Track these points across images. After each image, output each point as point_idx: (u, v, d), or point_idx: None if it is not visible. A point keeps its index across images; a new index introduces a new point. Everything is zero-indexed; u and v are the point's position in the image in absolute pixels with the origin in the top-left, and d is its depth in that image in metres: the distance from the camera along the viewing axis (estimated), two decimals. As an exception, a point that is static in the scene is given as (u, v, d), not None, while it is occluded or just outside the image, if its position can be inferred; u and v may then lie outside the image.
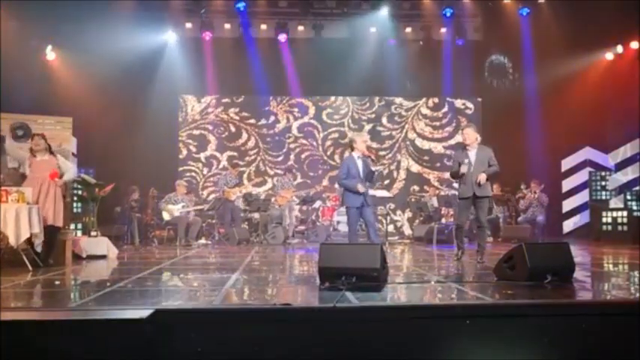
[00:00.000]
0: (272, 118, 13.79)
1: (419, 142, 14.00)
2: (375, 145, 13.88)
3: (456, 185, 13.66)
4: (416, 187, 13.84)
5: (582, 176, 12.59)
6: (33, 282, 5.38)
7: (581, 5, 10.61)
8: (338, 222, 12.04)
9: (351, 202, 6.94)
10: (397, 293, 4.57)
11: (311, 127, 13.87)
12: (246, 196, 11.85)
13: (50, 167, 6.84)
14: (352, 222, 7.05)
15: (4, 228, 6.05)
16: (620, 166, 12.03)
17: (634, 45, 11.63)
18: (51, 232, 6.76)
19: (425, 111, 14.08)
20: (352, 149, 7.13)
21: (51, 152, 6.93)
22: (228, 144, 13.57)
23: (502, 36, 12.87)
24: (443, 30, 13.11)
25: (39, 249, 6.41)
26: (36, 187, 6.67)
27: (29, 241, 6.30)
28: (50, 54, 11.32)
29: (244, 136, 13.70)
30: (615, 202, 11.56)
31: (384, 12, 12.72)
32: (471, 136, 7.01)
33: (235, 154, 13.50)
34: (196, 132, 13.59)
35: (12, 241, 6.07)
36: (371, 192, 11.80)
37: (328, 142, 13.86)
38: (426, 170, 13.93)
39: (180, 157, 13.48)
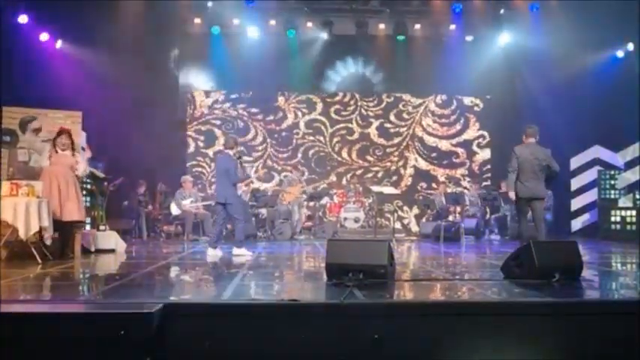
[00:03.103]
0: (280, 113, 13.79)
1: (427, 139, 13.97)
2: (382, 141, 13.87)
3: (464, 183, 13.72)
4: (423, 184, 13.82)
5: (591, 175, 12.50)
6: (42, 275, 5.42)
7: (592, 2, 10.52)
8: (345, 218, 12.05)
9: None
10: (404, 290, 4.58)
11: (319, 123, 13.86)
12: (254, 192, 11.88)
13: (69, 162, 6.88)
14: (242, 215, 7.74)
15: (13, 221, 6.10)
16: (630, 164, 11.94)
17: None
18: (70, 228, 6.83)
19: (433, 108, 14.04)
20: (231, 148, 7.67)
21: (73, 149, 6.97)
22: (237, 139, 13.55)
23: (512, 33, 12.80)
24: (452, 27, 13.05)
25: (48, 242, 6.45)
26: (54, 178, 6.69)
27: (39, 234, 6.35)
28: (60, 47, 11.35)
29: (252, 131, 13.71)
30: (624, 201, 11.48)
31: (392, 8, 12.68)
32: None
33: (243, 149, 13.51)
34: (204, 127, 13.61)
35: (22, 234, 6.12)
36: (378, 188, 11.91)
37: (336, 139, 13.85)
38: (434, 167, 13.90)
39: (189, 152, 13.51)
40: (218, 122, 13.64)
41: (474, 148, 13.98)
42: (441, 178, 13.72)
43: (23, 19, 10.10)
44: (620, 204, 11.47)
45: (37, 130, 7.90)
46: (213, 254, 7.29)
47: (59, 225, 6.71)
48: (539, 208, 7.04)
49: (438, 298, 4.27)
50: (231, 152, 7.63)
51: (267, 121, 13.73)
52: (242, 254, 7.23)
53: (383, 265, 4.52)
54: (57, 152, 6.86)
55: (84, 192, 8.79)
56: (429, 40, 13.26)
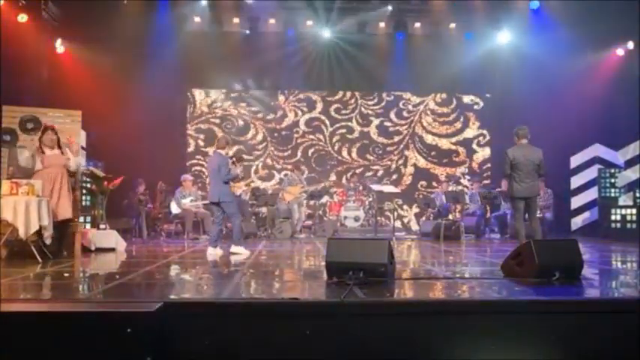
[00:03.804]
0: (280, 112, 13.78)
1: (427, 137, 13.96)
2: (382, 140, 13.87)
3: (464, 181, 13.72)
4: (424, 183, 13.81)
5: (591, 173, 12.50)
6: (42, 274, 5.42)
7: (592, 1, 10.51)
8: (345, 217, 12.05)
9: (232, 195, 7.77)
10: (404, 289, 4.57)
11: (319, 122, 13.86)
12: (254, 191, 11.87)
13: (61, 161, 6.88)
14: (238, 212, 7.71)
15: (13, 220, 6.09)
16: (630, 163, 11.92)
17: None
18: (64, 226, 6.82)
19: (433, 106, 14.04)
20: (222, 148, 7.64)
21: (59, 146, 6.96)
22: (236, 138, 13.56)
23: (511, 31, 12.79)
24: (452, 25, 13.03)
25: (48, 241, 6.45)
26: (48, 180, 6.69)
27: (39, 234, 6.35)
28: (60, 47, 11.35)
29: (252, 130, 13.71)
30: (624, 200, 11.47)
31: (392, 7, 12.68)
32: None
33: (242, 148, 13.51)
34: (204, 126, 13.61)
35: (21, 233, 6.12)
36: (378, 187, 11.90)
37: (336, 137, 13.85)
38: (434, 166, 13.90)
39: (189, 150, 13.51)
40: (218, 121, 13.64)
41: (474, 146, 13.98)
42: (442, 177, 13.72)
43: (23, 18, 10.10)
44: (621, 202, 11.46)
45: (31, 131, 7.86)
46: (213, 253, 7.29)
47: (55, 225, 6.70)
48: (533, 206, 7.37)
49: (439, 297, 4.26)
50: (222, 152, 7.63)
51: (267, 119, 13.72)
52: (239, 252, 7.22)
53: (383, 263, 4.51)
54: (44, 153, 6.81)
55: (84, 191, 8.80)
56: (428, 38, 13.24)
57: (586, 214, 12.58)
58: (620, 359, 3.55)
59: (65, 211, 6.78)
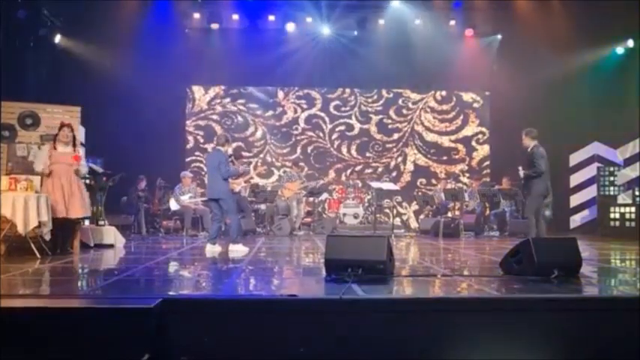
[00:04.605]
0: (279, 109, 13.77)
1: (426, 135, 13.95)
2: (382, 137, 13.85)
3: (463, 179, 13.71)
4: (423, 180, 13.81)
5: (590, 171, 12.51)
6: (41, 270, 5.42)
7: (592, -1, 10.53)
8: (344, 214, 12.05)
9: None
10: (403, 286, 4.58)
11: (318, 119, 13.84)
12: (253, 188, 11.87)
13: (69, 160, 6.83)
14: (236, 210, 7.74)
15: (12, 216, 6.08)
16: (629, 161, 11.92)
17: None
18: (73, 223, 6.82)
19: (433, 104, 14.02)
20: (222, 145, 7.60)
21: (74, 145, 6.91)
22: (235, 135, 13.54)
23: (512, 28, 12.77)
24: (452, 22, 13.01)
25: (47, 237, 6.43)
26: (61, 177, 6.64)
27: (38, 229, 6.33)
28: (59, 43, 11.33)
29: (251, 127, 13.69)
30: (623, 198, 11.48)
31: (393, 4, 12.66)
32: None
33: (242, 145, 13.48)
34: (203, 123, 13.59)
35: (20, 229, 6.10)
36: (378, 184, 11.90)
37: (335, 134, 13.84)
38: (433, 164, 13.89)
39: (188, 147, 13.49)
40: (217, 118, 13.62)
41: (474, 144, 13.97)
42: (441, 175, 13.72)
43: (22, 13, 10.07)
44: (620, 201, 11.47)
45: (30, 127, 7.84)
46: (212, 250, 7.28)
47: (64, 221, 6.69)
48: (544, 205, 7.82)
49: (437, 294, 4.26)
50: (222, 149, 7.62)
51: (267, 116, 13.71)
52: (238, 250, 7.22)
53: (382, 260, 4.51)
54: (56, 149, 6.78)
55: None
56: (428, 35, 13.21)
57: (585, 212, 12.60)
58: (619, 357, 3.55)
59: (77, 210, 6.75)
